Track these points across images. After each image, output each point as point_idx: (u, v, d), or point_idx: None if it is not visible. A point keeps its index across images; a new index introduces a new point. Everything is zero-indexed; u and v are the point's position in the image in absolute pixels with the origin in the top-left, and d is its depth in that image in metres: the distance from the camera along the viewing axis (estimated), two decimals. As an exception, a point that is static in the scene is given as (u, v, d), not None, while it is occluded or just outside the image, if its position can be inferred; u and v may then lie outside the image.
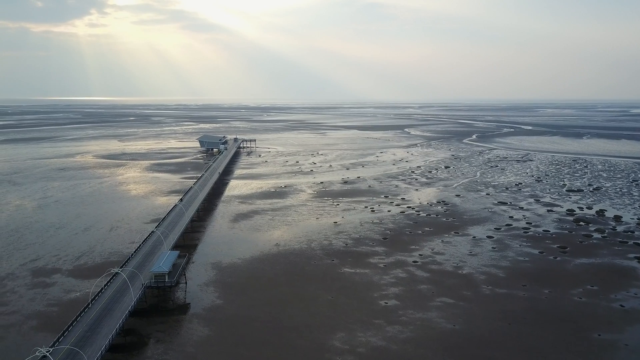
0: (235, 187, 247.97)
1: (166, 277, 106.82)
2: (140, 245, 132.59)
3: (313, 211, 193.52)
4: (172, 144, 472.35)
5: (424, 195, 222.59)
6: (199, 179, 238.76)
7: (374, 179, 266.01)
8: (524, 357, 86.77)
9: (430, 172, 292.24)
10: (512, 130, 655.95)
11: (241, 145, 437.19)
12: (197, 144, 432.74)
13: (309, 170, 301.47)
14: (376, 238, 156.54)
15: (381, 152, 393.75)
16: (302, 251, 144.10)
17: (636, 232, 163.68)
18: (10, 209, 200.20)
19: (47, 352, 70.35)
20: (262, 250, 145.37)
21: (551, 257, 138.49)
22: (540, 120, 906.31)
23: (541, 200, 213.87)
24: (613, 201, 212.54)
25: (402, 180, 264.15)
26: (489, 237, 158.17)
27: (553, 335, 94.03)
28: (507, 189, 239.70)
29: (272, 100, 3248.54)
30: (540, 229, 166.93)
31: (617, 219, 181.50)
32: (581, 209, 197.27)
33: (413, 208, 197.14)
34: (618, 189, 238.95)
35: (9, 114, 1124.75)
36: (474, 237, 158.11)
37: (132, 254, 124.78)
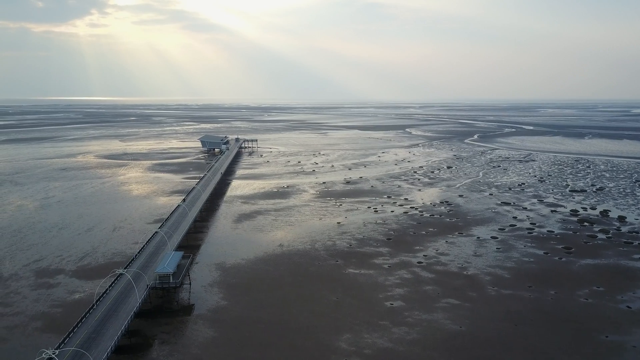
0: (238, 187, 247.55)
1: (171, 277, 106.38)
2: (144, 245, 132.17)
3: (316, 211, 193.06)
4: (174, 144, 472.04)
5: (427, 196, 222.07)
6: (201, 179, 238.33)
7: (377, 179, 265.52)
8: (532, 359, 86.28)
9: (433, 172, 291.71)
10: (513, 130, 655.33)
11: (243, 145, 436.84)
12: (199, 144, 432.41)
13: (311, 170, 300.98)
14: (380, 239, 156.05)
15: (383, 152, 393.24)
16: (306, 252, 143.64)
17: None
18: (13, 209, 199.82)
19: (53, 353, 69.87)
20: (265, 250, 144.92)
21: (556, 258, 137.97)
22: (541, 120, 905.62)
23: (544, 200, 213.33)
24: (617, 201, 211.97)
25: (405, 180, 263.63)
26: (493, 237, 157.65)
27: (560, 337, 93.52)
28: (510, 189, 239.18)
29: (272, 100, 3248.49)
30: (544, 230, 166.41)
31: (622, 219, 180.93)
32: (585, 209, 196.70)
33: (416, 208, 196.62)
34: (621, 189, 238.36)
35: (10, 114, 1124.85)
36: (478, 237, 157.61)
37: (136, 255, 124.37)
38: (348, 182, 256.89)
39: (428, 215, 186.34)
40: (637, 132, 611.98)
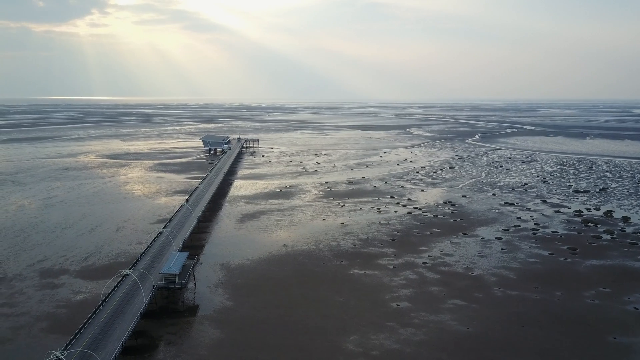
0: (240, 187, 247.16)
1: (176, 278, 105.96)
2: (148, 246, 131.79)
3: (319, 212, 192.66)
4: (175, 143, 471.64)
5: (430, 196, 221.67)
6: (204, 179, 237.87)
7: (379, 180, 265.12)
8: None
9: (435, 172, 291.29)
10: (514, 130, 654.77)
11: (244, 145, 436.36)
12: (200, 144, 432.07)
13: (313, 170, 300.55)
14: (384, 239, 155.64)
15: (385, 152, 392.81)
16: (311, 252, 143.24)
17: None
18: (16, 209, 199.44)
19: (61, 355, 69.49)
20: (270, 251, 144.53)
21: (561, 259, 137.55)
22: (542, 120, 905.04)
23: (548, 201, 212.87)
24: (620, 202, 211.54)
25: (407, 180, 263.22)
26: (497, 238, 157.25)
27: (568, 338, 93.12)
28: (513, 189, 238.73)
29: (273, 100, 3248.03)
30: (548, 230, 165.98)
31: (626, 220, 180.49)
32: (589, 209, 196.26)
33: (420, 209, 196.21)
34: (624, 190, 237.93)
35: (11, 114, 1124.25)
36: (483, 238, 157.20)
37: (140, 255, 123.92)
38: (350, 182, 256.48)
39: (432, 215, 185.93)
40: (639, 133, 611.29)
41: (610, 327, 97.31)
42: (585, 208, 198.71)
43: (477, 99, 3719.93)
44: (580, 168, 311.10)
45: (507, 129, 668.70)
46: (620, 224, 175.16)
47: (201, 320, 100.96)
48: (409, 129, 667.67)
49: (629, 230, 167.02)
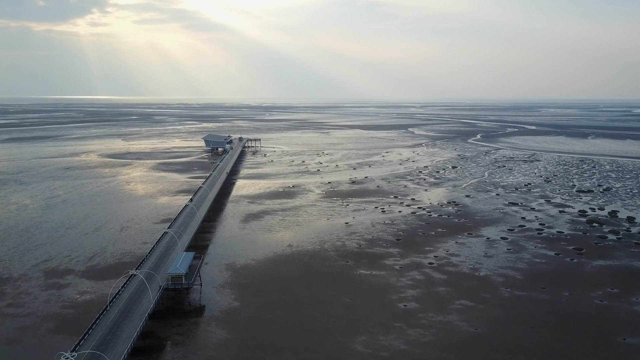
0: (243, 186, 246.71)
1: (183, 278, 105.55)
2: (154, 246, 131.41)
3: (323, 212, 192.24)
4: (177, 143, 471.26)
5: (433, 196, 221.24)
6: (207, 178, 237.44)
7: (382, 179, 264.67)
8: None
9: (438, 172, 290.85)
10: (516, 130, 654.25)
11: (246, 145, 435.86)
12: (202, 143, 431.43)
13: (316, 170, 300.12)
14: (389, 239, 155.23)
15: (387, 152, 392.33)
16: (316, 252, 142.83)
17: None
18: (19, 208, 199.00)
19: (71, 356, 69.07)
20: (275, 251, 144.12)
21: (568, 259, 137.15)
22: (543, 120, 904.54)
23: (552, 201, 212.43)
24: (624, 202, 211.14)
25: (411, 180, 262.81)
26: (502, 238, 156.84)
27: (577, 339, 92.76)
28: (516, 189, 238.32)
29: (273, 100, 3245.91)
30: (553, 230, 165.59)
31: (630, 220, 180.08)
32: (593, 209, 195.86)
33: (424, 209, 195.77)
34: (628, 190, 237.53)
35: (11, 113, 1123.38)
36: (488, 238, 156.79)
37: (146, 255, 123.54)
38: (354, 182, 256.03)
39: (436, 215, 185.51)
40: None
41: (619, 328, 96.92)
42: (590, 208, 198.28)
43: (477, 99, 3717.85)
44: (583, 168, 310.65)
45: (509, 129, 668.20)
46: (626, 224, 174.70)
47: (208, 321, 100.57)
48: (410, 129, 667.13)
49: (634, 230, 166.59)
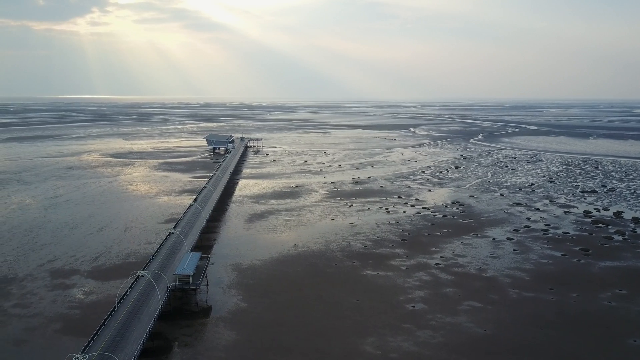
0: (246, 186, 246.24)
1: (190, 279, 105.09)
2: (159, 246, 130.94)
3: (327, 212, 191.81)
4: (178, 142, 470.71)
5: (437, 196, 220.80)
6: (210, 178, 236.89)
7: (385, 179, 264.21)
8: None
9: (441, 172, 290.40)
10: (517, 130, 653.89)
11: (248, 144, 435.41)
12: (203, 143, 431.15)
13: (319, 169, 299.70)
14: (395, 239, 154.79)
15: (389, 152, 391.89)
16: (322, 253, 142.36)
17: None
18: (22, 208, 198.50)
19: (83, 358, 68.61)
20: (280, 251, 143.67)
21: (574, 260, 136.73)
22: (544, 120, 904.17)
23: (556, 201, 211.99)
24: (629, 202, 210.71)
25: (414, 180, 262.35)
26: (508, 238, 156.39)
27: (587, 341, 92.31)
28: (520, 189, 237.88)
29: (273, 99, 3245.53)
30: (559, 231, 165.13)
31: (636, 220, 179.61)
32: (598, 210, 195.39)
33: (428, 209, 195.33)
34: (632, 190, 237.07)
35: (12, 112, 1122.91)
36: (494, 238, 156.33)
37: (152, 256, 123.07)
38: (357, 182, 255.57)
39: (441, 215, 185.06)
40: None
41: (629, 330, 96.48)
42: (594, 208, 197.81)
43: (477, 98, 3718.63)
44: (586, 168, 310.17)
45: (510, 129, 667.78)
46: (631, 224, 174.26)
47: (216, 322, 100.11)
48: (411, 129, 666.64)
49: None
